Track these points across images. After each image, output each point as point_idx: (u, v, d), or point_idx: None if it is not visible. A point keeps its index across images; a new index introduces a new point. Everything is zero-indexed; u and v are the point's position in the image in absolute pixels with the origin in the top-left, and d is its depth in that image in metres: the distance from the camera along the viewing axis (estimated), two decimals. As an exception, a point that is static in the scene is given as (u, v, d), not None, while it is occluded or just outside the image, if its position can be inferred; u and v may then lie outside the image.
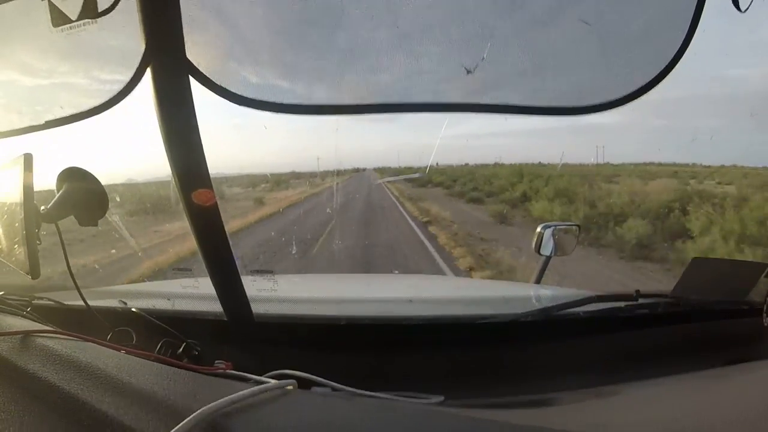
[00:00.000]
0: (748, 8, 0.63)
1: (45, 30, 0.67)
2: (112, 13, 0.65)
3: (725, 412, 0.55)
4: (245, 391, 0.46)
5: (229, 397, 0.45)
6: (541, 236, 1.42)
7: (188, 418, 0.41)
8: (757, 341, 0.86)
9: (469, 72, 0.65)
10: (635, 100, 0.66)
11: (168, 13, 0.63)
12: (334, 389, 0.63)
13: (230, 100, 0.67)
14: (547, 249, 1.41)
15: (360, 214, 11.68)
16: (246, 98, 0.67)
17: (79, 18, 0.66)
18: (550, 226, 1.44)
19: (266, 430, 0.45)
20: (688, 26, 0.63)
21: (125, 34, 0.66)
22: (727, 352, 0.84)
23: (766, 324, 0.84)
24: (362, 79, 0.68)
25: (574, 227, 1.54)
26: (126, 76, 0.66)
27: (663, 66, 0.65)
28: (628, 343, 0.89)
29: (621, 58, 0.67)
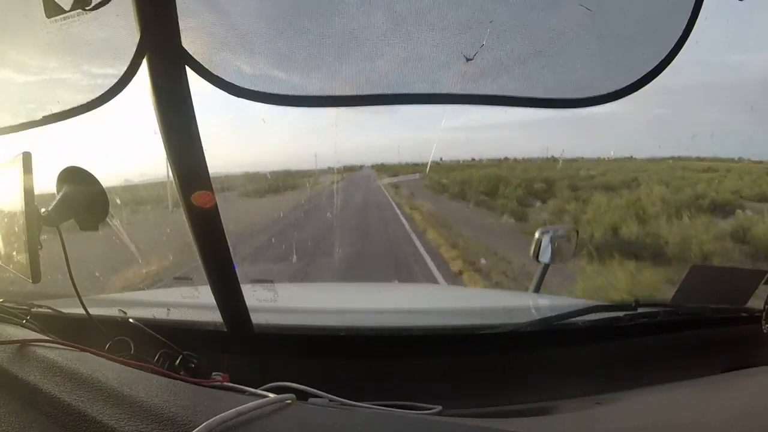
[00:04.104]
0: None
1: (39, 24, 0.66)
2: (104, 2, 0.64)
3: (725, 417, 0.55)
4: (250, 405, 0.46)
5: (233, 410, 0.45)
6: (539, 242, 1.36)
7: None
8: (756, 347, 0.86)
9: (468, 60, 0.64)
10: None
11: (162, 1, 0.61)
12: (330, 401, 0.63)
13: (226, 91, 0.66)
14: (545, 256, 1.36)
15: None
16: (242, 89, 0.66)
17: (73, 8, 0.64)
18: (548, 231, 1.38)
19: None
20: (690, 14, 0.62)
21: (119, 25, 0.64)
22: (726, 358, 0.85)
23: (765, 330, 0.85)
24: (359, 68, 0.66)
25: (572, 231, 1.48)
26: (121, 68, 0.65)
27: (665, 54, 0.64)
28: (627, 352, 0.89)
29: (621, 47, 0.66)
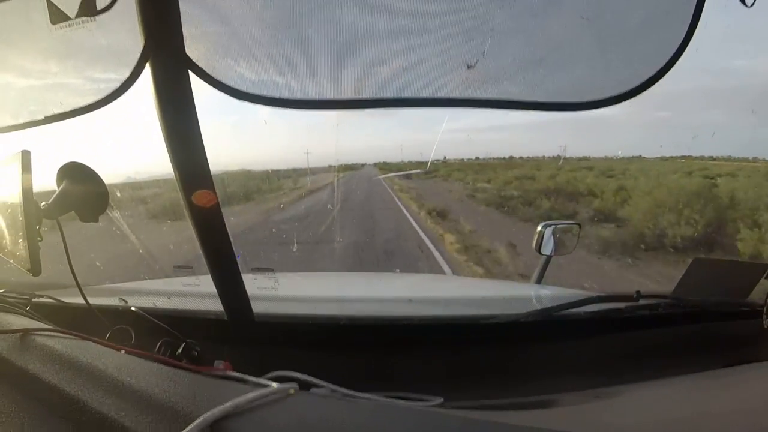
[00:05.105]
0: (753, 3, 0.62)
1: (44, 29, 0.67)
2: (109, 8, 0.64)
3: (725, 413, 0.55)
4: (249, 396, 0.46)
5: (233, 402, 0.45)
6: (541, 235, 1.41)
7: (192, 425, 0.41)
8: (756, 343, 0.86)
9: (469, 67, 0.64)
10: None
11: (166, 8, 0.62)
12: (332, 391, 0.63)
13: (228, 94, 0.66)
14: (547, 248, 1.40)
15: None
16: (244, 92, 0.67)
17: (78, 16, 0.65)
18: (550, 225, 1.42)
19: None
20: (691, 17, 0.62)
21: (124, 30, 0.65)
22: (727, 353, 0.85)
23: (765, 325, 0.85)
24: (360, 74, 0.67)
25: (574, 226, 1.52)
26: (125, 72, 0.66)
27: (666, 59, 0.63)
28: (628, 344, 0.89)
29: (622, 52, 0.67)
